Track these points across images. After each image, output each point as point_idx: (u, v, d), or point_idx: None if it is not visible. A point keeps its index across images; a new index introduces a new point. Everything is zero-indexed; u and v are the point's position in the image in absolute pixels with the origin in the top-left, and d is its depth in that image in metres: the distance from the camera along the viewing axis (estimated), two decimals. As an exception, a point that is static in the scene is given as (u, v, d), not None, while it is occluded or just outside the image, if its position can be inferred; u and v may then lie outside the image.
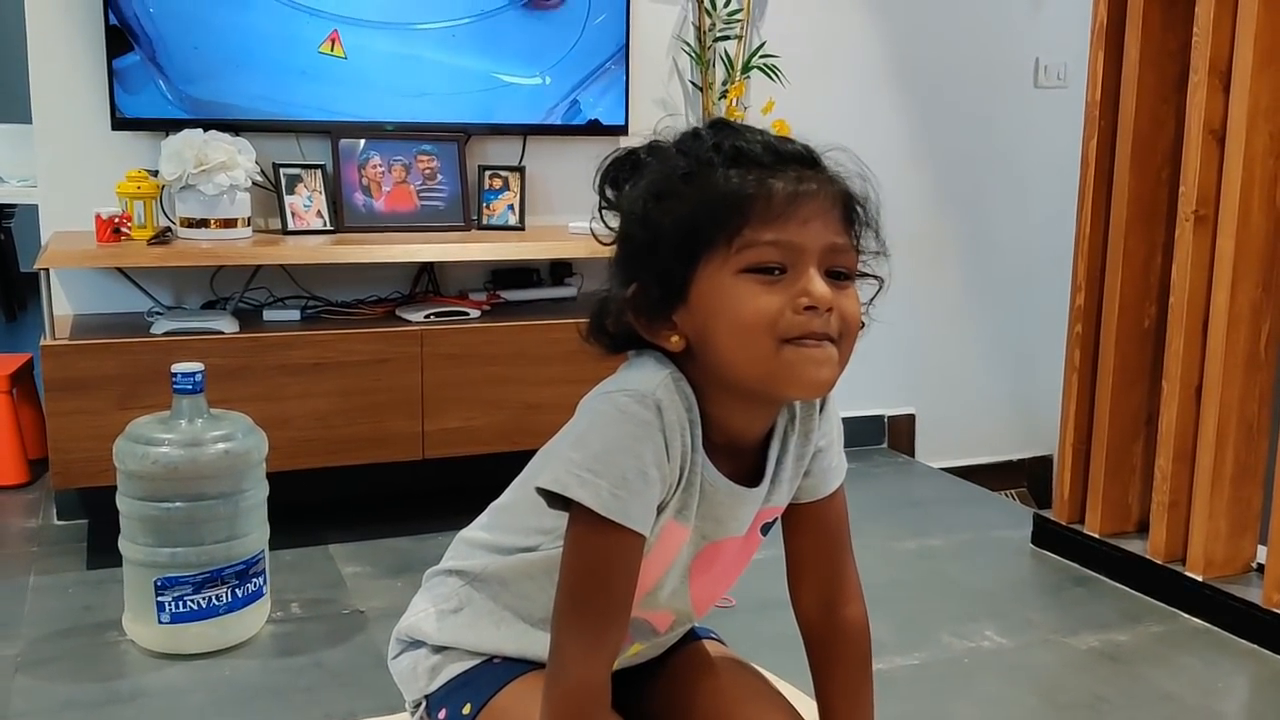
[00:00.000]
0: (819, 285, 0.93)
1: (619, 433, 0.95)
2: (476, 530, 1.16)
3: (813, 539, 1.11)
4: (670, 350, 0.98)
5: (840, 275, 0.96)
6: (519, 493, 1.11)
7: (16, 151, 3.46)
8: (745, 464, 1.04)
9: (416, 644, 1.17)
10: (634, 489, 0.94)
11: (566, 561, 0.97)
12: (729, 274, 0.94)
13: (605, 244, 1.01)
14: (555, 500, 0.96)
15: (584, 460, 0.94)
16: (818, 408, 1.08)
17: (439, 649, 1.14)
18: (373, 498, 3.03)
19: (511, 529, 1.11)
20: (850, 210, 0.98)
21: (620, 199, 1.01)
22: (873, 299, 1.02)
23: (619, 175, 1.02)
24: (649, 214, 0.97)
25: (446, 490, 3.00)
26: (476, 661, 1.12)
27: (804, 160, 0.97)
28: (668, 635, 1.15)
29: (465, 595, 1.13)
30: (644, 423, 0.95)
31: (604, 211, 1.01)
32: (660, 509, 0.99)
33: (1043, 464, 3.88)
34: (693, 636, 1.21)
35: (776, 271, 0.93)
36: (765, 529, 1.10)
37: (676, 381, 0.97)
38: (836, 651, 1.12)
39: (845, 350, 0.96)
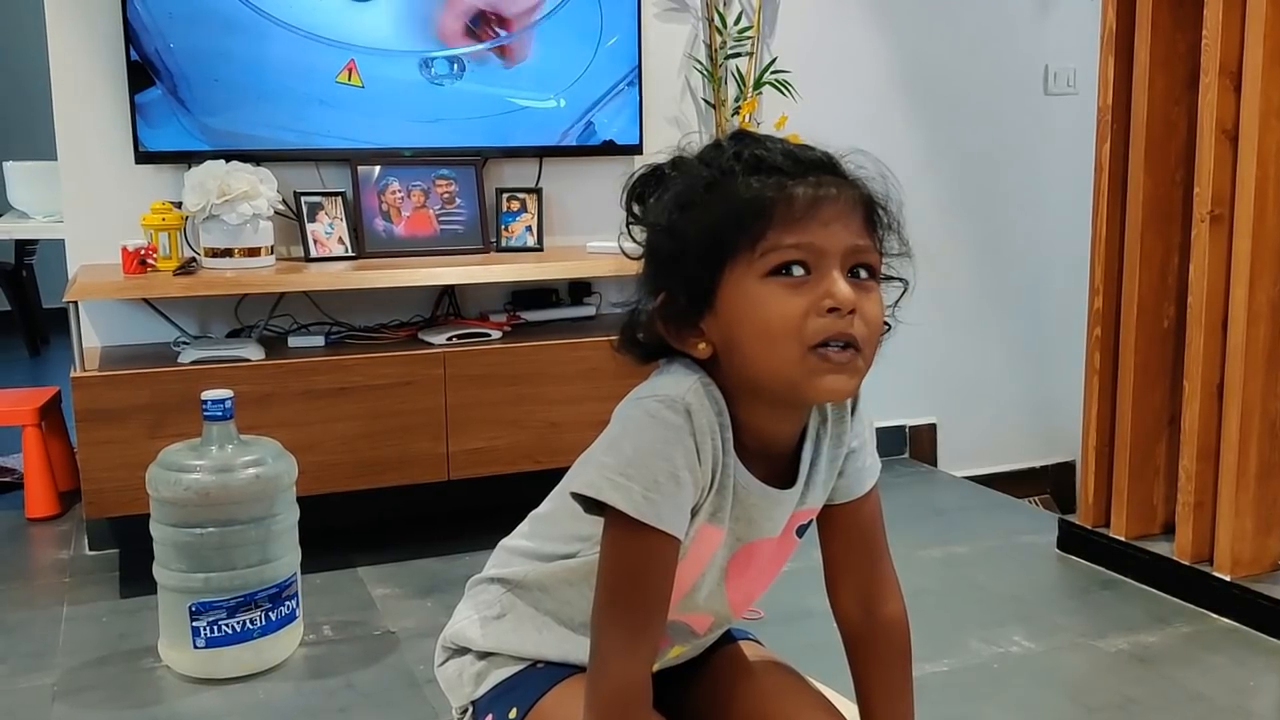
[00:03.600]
0: (842, 287, 0.95)
1: (650, 437, 0.97)
2: (517, 539, 1.18)
3: (849, 539, 1.13)
4: (698, 358, 1.00)
5: (863, 276, 0.98)
6: (558, 501, 1.13)
7: (42, 187, 3.50)
8: (779, 467, 1.06)
9: (462, 650, 1.19)
10: (666, 492, 0.96)
11: (603, 565, 0.99)
12: (753, 279, 0.96)
13: (634, 258, 1.04)
14: (591, 505, 0.98)
15: (616, 464, 0.97)
16: (849, 409, 1.09)
17: (484, 655, 1.16)
18: (400, 519, 3.05)
19: (551, 537, 1.13)
20: (872, 212, 1.00)
21: (646, 213, 1.03)
22: (897, 301, 1.04)
23: (644, 190, 1.04)
24: (674, 224, 0.99)
25: (472, 510, 3.02)
26: (521, 666, 1.14)
27: (825, 166, 0.99)
28: (707, 637, 1.16)
29: (508, 602, 1.15)
30: (674, 427, 0.97)
31: (631, 226, 1.04)
32: (694, 512, 1.01)
33: (1066, 470, 3.88)
34: (731, 638, 1.22)
35: (800, 274, 0.95)
36: (800, 531, 1.12)
37: (706, 386, 0.99)
38: (878, 649, 1.13)
39: (868, 353, 0.98)
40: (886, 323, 1.03)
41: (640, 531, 0.96)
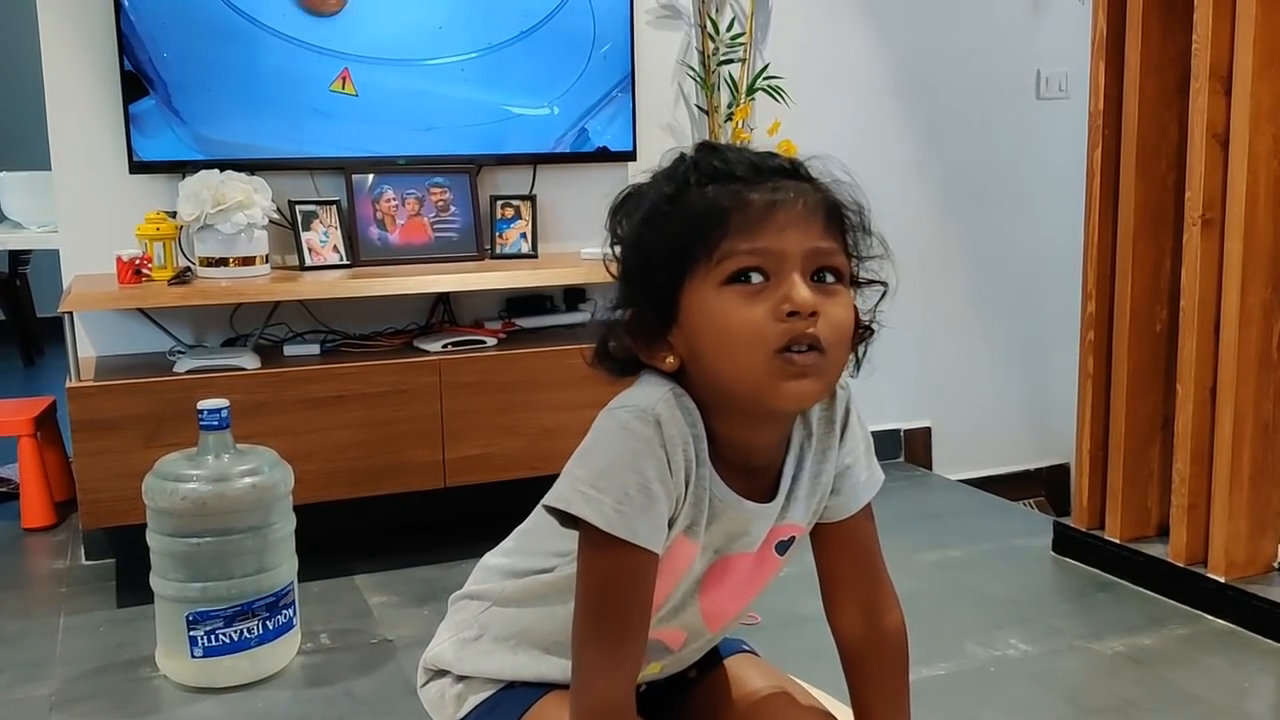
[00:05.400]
0: (801, 290, 0.93)
1: (620, 449, 0.96)
2: (499, 555, 1.17)
3: (848, 556, 1.11)
4: (666, 370, 0.99)
5: (829, 280, 0.96)
6: (539, 516, 1.11)
7: (36, 198, 3.51)
8: (763, 481, 1.05)
9: (441, 672, 1.18)
10: (637, 505, 0.95)
11: (580, 580, 0.98)
12: (712, 288, 0.95)
13: (615, 277, 1.03)
14: (566, 519, 0.97)
15: (587, 477, 0.96)
16: (838, 426, 1.08)
17: (462, 677, 1.16)
18: (397, 527, 3.05)
19: (531, 552, 1.12)
20: (834, 215, 0.98)
21: (621, 230, 1.03)
22: (878, 303, 1.02)
23: (625, 209, 1.03)
24: (639, 238, 0.99)
25: (469, 517, 3.02)
26: (499, 687, 1.13)
27: (785, 172, 0.98)
28: (685, 652, 1.14)
29: (484, 621, 1.14)
30: (644, 438, 0.96)
31: (614, 245, 1.03)
32: (669, 524, 0.99)
33: (1060, 472, 3.89)
34: (724, 650, 1.21)
35: (759, 280, 0.94)
36: (782, 548, 1.09)
37: (678, 397, 0.98)
38: (879, 661, 1.12)
39: (835, 357, 0.96)
40: (869, 326, 1.02)
41: (613, 546, 0.95)
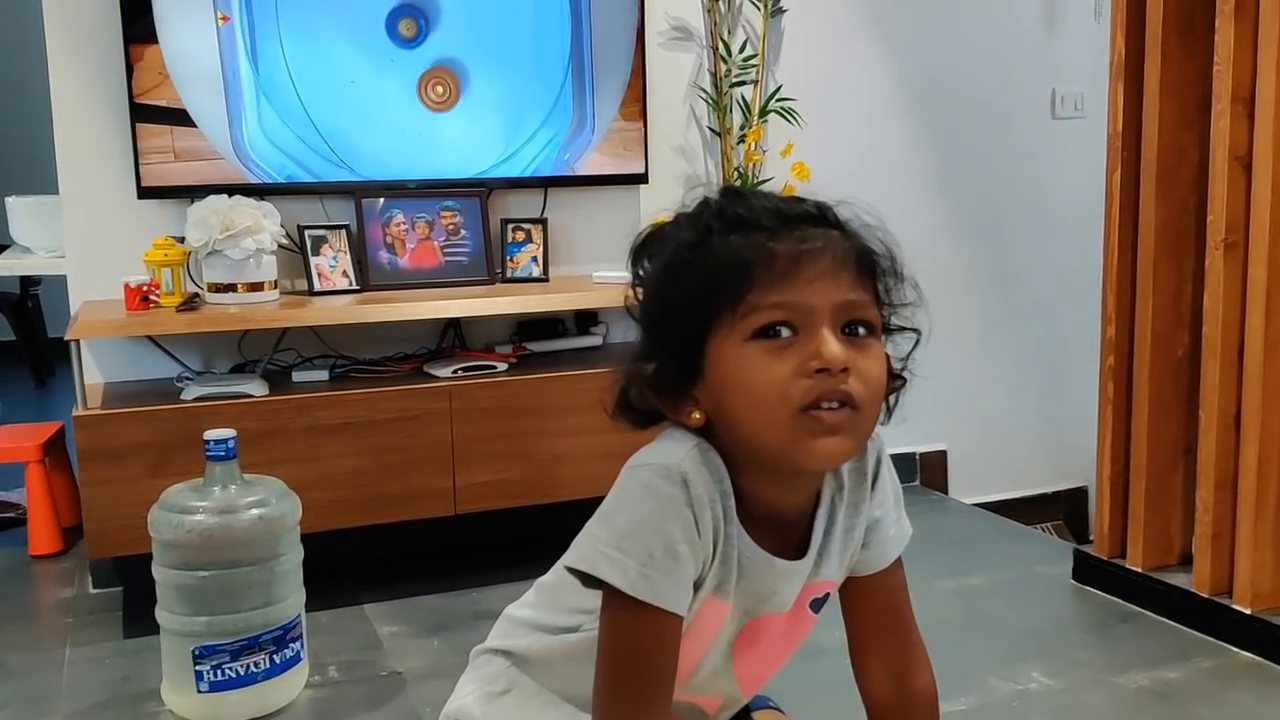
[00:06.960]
0: (831, 346, 0.89)
1: (645, 509, 0.92)
2: (523, 608, 1.14)
3: (878, 613, 1.08)
4: (692, 427, 0.96)
5: (860, 333, 0.92)
6: (562, 572, 1.09)
7: (44, 223, 3.48)
8: (792, 536, 1.01)
9: None
10: (663, 568, 0.91)
11: (601, 644, 0.95)
12: (737, 342, 0.91)
13: (637, 321, 1.00)
14: (588, 579, 0.94)
15: (610, 538, 0.92)
16: (869, 478, 1.04)
17: None
18: (406, 555, 3.01)
19: (556, 608, 1.09)
20: (865, 263, 0.94)
21: (644, 276, 0.99)
22: (910, 352, 0.99)
23: (647, 251, 0.99)
24: (660, 288, 0.96)
25: (479, 544, 2.99)
26: None
27: (812, 219, 0.94)
28: (719, 717, 1.11)
29: (512, 676, 1.11)
30: (669, 498, 0.92)
31: (636, 289, 0.99)
32: (697, 585, 0.96)
33: (1078, 495, 3.84)
34: (752, 705, 1.17)
35: (787, 335, 0.90)
36: (816, 605, 1.06)
37: (704, 453, 0.94)
38: None
39: (869, 414, 0.92)
40: (901, 376, 0.98)
41: (638, 610, 0.91)
